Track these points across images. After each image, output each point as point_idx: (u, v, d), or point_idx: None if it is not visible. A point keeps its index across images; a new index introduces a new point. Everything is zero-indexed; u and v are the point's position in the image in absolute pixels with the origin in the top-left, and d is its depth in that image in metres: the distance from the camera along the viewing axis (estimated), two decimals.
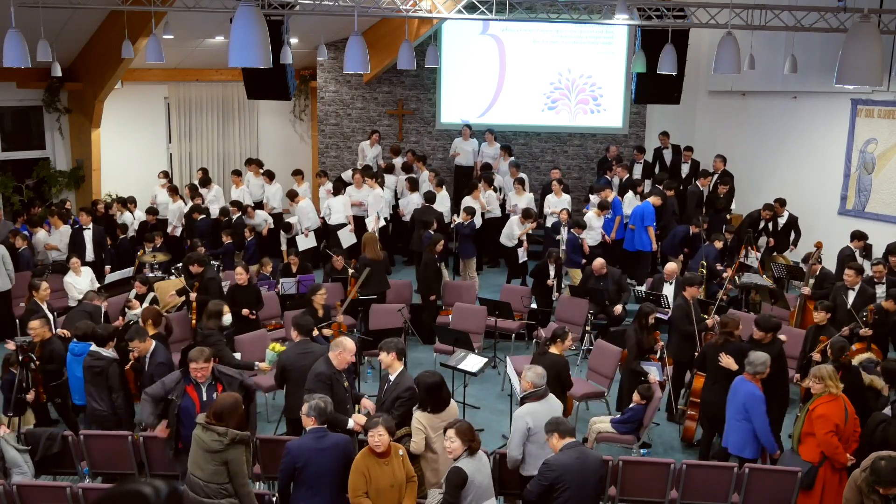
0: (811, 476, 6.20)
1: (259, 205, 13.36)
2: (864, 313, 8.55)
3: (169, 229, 12.84)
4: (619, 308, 10.18)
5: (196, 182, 13.75)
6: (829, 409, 6.16)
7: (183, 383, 6.15)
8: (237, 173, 13.88)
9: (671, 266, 10.10)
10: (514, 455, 5.95)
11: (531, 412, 5.91)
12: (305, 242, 12.44)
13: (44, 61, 10.00)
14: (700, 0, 10.89)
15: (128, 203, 13.22)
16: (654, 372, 7.91)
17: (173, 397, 6.09)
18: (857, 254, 10.91)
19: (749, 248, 11.64)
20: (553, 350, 7.30)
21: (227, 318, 7.94)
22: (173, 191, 13.20)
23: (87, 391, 7.00)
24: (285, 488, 5.45)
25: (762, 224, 12.27)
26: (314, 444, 5.33)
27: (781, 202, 12.23)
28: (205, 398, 6.03)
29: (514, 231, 11.85)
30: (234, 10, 5.26)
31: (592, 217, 11.93)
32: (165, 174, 13.89)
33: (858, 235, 11.04)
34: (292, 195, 12.60)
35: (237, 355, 7.98)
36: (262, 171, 13.83)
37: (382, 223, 12.47)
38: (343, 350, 6.36)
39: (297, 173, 13.58)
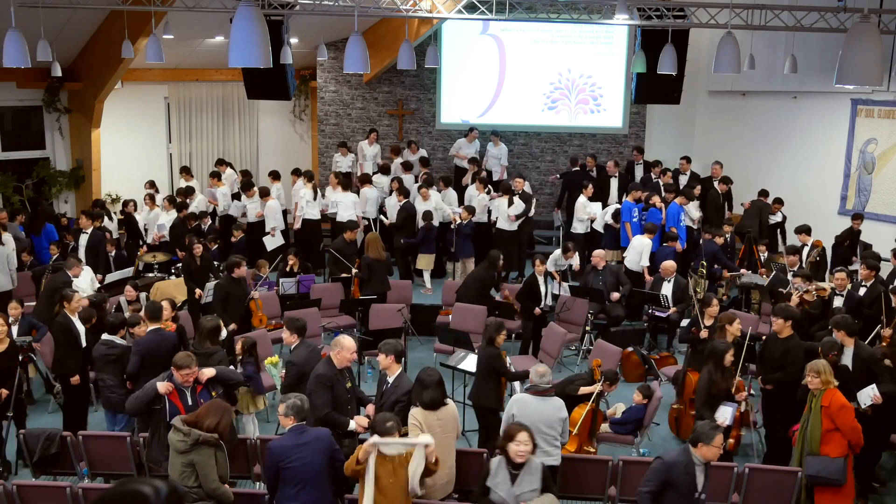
0: (843, 471, 6.10)
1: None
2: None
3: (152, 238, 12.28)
4: (615, 295, 10.05)
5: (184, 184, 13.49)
6: (840, 397, 6.17)
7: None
8: (216, 175, 13.67)
9: (669, 263, 10.06)
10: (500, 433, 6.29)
11: (520, 401, 6.14)
12: (272, 242, 12.40)
13: (44, 61, 10.01)
14: (700, 0, 10.89)
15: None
16: (726, 415, 6.87)
17: (157, 406, 6.07)
18: (803, 248, 10.75)
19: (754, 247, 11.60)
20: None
21: (224, 332, 7.77)
22: (171, 200, 12.62)
23: (100, 378, 7.24)
24: (273, 488, 5.47)
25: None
26: (294, 440, 5.36)
27: (779, 201, 12.30)
28: (190, 402, 6.02)
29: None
30: (234, 10, 5.26)
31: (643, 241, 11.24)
32: (152, 184, 13.38)
33: (804, 230, 10.94)
34: (264, 192, 12.61)
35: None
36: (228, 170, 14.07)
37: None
38: (342, 349, 6.34)
39: (273, 174, 13.62)
